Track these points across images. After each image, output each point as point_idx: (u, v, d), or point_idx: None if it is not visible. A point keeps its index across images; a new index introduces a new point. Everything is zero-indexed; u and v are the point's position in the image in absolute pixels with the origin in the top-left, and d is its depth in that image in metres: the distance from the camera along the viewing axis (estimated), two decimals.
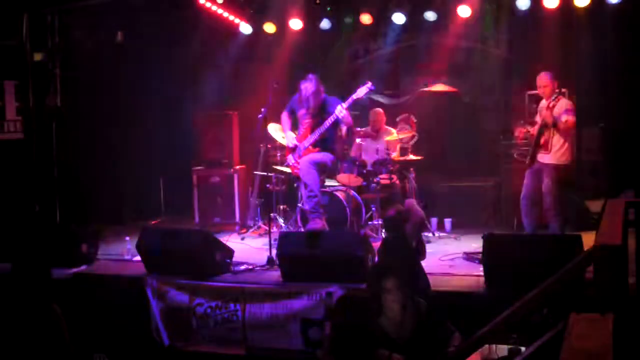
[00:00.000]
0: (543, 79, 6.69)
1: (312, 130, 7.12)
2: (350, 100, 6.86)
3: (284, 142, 7.59)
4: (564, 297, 3.65)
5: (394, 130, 8.17)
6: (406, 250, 5.01)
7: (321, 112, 7.09)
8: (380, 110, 8.35)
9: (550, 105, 6.62)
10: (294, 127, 7.37)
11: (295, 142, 7.19)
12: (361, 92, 6.85)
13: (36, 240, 6.82)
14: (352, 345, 3.70)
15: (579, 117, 7.18)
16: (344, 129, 7.10)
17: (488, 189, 8.33)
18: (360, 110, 8.22)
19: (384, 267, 4.53)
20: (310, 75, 7.08)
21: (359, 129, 8.14)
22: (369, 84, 6.86)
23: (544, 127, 6.63)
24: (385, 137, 8.06)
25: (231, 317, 5.75)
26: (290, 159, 7.25)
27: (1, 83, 7.86)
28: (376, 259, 5.49)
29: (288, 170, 7.57)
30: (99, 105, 8.65)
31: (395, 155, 7.90)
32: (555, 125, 6.54)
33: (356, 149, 8.26)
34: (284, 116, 7.34)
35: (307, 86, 7.02)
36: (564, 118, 6.54)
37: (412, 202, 7.28)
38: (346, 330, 3.78)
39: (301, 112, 7.22)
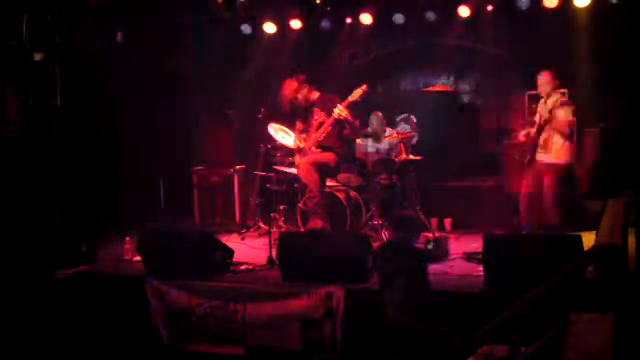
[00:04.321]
0: (542, 79, 6.69)
1: (315, 131, 7.12)
2: (346, 102, 6.85)
3: (284, 142, 7.59)
4: (564, 297, 3.65)
5: (393, 131, 8.16)
6: (415, 253, 4.95)
7: (319, 110, 7.08)
8: (379, 113, 8.31)
9: (548, 106, 6.62)
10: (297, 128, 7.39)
11: (299, 143, 7.19)
12: (356, 94, 6.83)
13: (35, 240, 6.83)
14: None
15: (578, 117, 7.18)
16: (347, 128, 7.09)
17: (488, 189, 8.33)
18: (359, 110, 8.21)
19: (394, 268, 4.53)
20: (294, 75, 7.07)
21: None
22: (364, 87, 6.85)
23: (543, 125, 6.63)
24: (386, 138, 8.05)
25: (231, 317, 5.75)
26: (298, 159, 7.24)
27: (1, 83, 7.86)
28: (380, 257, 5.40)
29: (288, 170, 7.56)
30: (99, 105, 8.64)
31: (401, 156, 7.87)
32: (551, 128, 6.53)
33: (356, 149, 8.26)
34: (298, 122, 7.34)
35: (288, 85, 7.03)
36: (562, 119, 6.54)
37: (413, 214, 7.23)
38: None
39: (302, 113, 7.23)
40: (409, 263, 4.68)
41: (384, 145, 8.01)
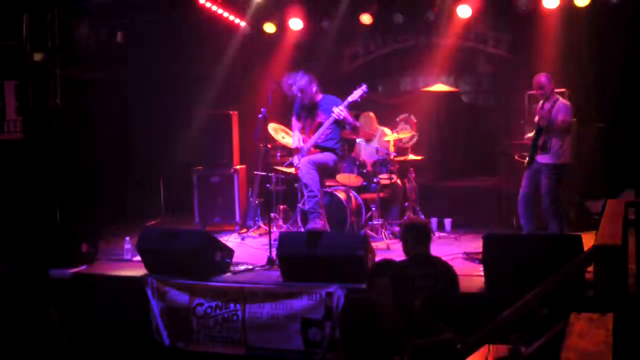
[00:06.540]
0: (539, 81, 6.68)
1: (315, 131, 7.12)
2: (345, 102, 6.87)
3: (284, 142, 7.59)
4: (564, 297, 3.65)
5: (388, 131, 8.16)
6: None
7: (321, 112, 7.09)
8: (371, 113, 8.31)
9: (547, 107, 6.62)
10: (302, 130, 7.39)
11: (299, 142, 7.19)
12: (356, 94, 6.86)
13: (35, 240, 6.82)
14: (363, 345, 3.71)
15: (578, 117, 7.18)
16: (348, 128, 7.10)
17: (488, 189, 8.33)
18: (357, 110, 8.21)
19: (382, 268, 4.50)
20: (299, 73, 7.05)
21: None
22: (364, 87, 6.87)
23: (542, 125, 6.63)
24: (383, 138, 8.05)
25: (231, 317, 5.75)
26: (296, 159, 7.24)
27: (1, 83, 7.86)
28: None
29: (288, 170, 7.57)
30: (99, 105, 8.65)
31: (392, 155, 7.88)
32: (550, 128, 6.53)
33: (356, 149, 8.26)
34: (293, 120, 7.35)
35: (296, 82, 7.00)
36: (560, 119, 6.54)
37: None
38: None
39: (303, 113, 7.24)
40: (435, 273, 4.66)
41: (374, 144, 8.02)
